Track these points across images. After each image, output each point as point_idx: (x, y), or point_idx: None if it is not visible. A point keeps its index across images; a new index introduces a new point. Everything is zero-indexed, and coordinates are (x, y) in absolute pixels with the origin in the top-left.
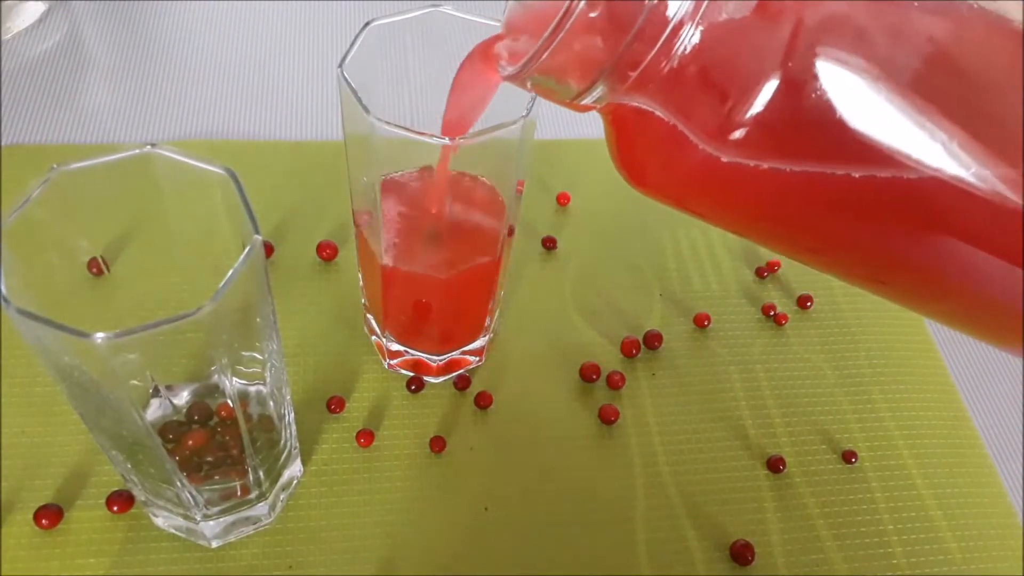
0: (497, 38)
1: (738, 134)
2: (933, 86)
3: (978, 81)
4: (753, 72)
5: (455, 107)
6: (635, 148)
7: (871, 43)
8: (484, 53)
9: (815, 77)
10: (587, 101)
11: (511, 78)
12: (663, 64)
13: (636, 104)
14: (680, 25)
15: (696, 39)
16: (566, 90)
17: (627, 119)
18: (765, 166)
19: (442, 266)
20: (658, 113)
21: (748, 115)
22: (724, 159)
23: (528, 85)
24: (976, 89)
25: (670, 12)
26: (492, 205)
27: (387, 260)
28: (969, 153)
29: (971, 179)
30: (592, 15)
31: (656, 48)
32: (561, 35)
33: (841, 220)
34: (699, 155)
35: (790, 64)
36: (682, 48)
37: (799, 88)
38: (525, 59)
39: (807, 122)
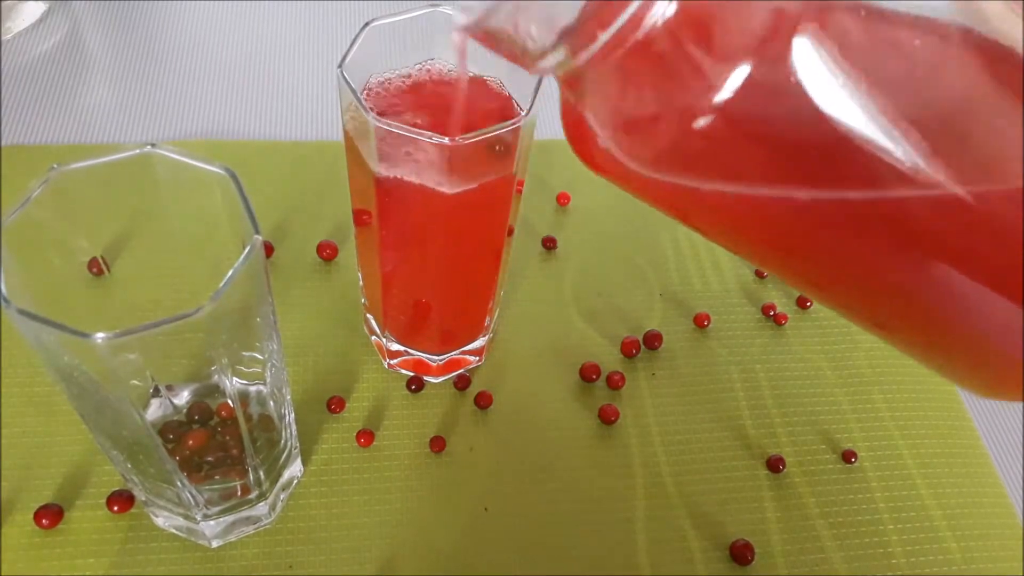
0: None
1: (702, 122)
2: (909, 100)
3: (959, 99)
4: (726, 55)
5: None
6: (583, 123)
7: (853, 43)
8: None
9: (790, 67)
10: (547, 64)
11: (469, 28)
12: (634, 33)
13: (597, 78)
14: None
15: (672, 11)
16: (528, 50)
17: (582, 92)
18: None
19: (450, 178)
20: (615, 90)
21: (715, 101)
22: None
23: (488, 39)
24: (955, 107)
25: None
26: (506, 114)
27: (381, 169)
28: (937, 168)
29: (937, 194)
30: None
31: (631, 10)
32: None
33: (804, 228)
34: (663, 133)
35: (766, 50)
36: (655, 20)
37: (772, 78)
38: (487, 7)
39: (777, 114)
